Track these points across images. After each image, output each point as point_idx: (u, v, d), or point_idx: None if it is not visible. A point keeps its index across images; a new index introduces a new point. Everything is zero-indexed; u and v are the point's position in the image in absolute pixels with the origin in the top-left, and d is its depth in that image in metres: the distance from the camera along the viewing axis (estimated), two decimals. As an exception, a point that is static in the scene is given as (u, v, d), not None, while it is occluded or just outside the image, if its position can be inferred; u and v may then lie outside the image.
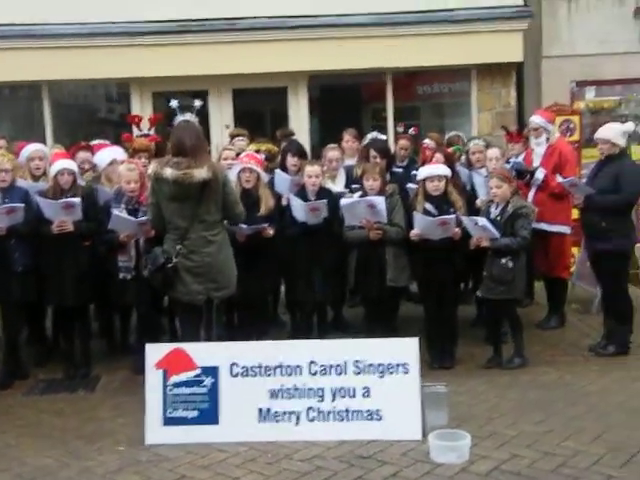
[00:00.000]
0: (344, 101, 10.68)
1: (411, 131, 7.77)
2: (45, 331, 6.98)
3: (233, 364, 4.79)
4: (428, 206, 6.32)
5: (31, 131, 9.57)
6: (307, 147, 8.58)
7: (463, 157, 7.67)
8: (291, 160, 6.95)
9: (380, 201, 6.12)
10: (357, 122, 9.90)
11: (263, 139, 7.85)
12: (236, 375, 4.79)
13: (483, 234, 6.07)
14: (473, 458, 4.40)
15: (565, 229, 7.40)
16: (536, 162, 7.28)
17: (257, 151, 7.48)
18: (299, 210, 6.21)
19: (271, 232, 6.20)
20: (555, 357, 6.65)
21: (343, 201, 6.25)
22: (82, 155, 6.94)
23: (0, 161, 6.13)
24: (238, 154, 6.80)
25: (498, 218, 6.20)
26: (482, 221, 6.03)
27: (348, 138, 7.91)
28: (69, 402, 5.82)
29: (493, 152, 7.04)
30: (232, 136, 8.21)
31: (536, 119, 7.32)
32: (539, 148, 7.29)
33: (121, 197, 6.26)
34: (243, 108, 9.95)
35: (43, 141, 8.63)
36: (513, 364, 6.34)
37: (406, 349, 4.79)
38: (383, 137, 7.66)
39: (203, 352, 4.83)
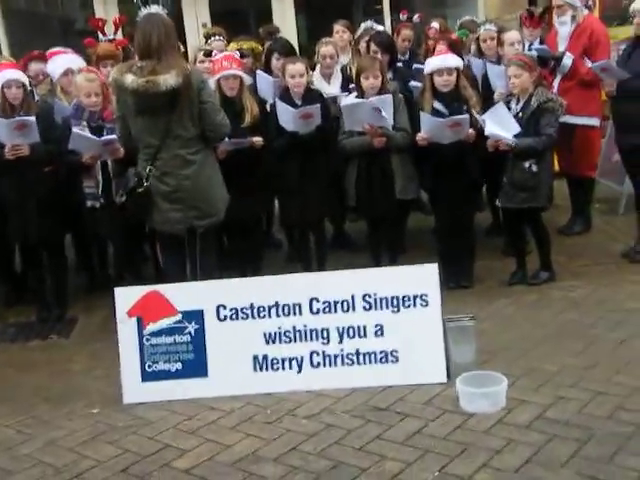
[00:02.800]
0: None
1: (415, 18, 6.81)
2: (13, 267, 6.24)
3: (220, 306, 4.05)
4: (437, 105, 5.44)
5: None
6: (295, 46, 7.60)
7: (473, 46, 6.73)
8: (277, 62, 6.02)
9: (388, 102, 5.24)
10: (349, 16, 8.83)
11: (246, 37, 6.87)
12: (224, 319, 4.05)
13: (502, 134, 5.22)
14: (510, 404, 3.70)
15: (594, 121, 6.52)
16: (561, 46, 6.35)
17: (238, 50, 6.57)
18: (287, 118, 5.33)
19: (261, 141, 5.35)
20: (584, 268, 5.91)
21: (345, 102, 5.37)
22: (35, 66, 5.99)
23: None
24: (208, 54, 5.83)
25: (519, 114, 5.34)
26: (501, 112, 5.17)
27: (339, 29, 6.95)
28: (41, 351, 5.14)
29: (511, 36, 6.10)
30: (207, 36, 7.23)
31: (561, -7, 6.33)
32: (564, 28, 6.34)
33: (81, 112, 5.38)
34: (221, 7, 8.90)
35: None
36: (539, 279, 5.62)
37: (424, 278, 4.04)
38: (379, 27, 6.68)
39: (184, 294, 4.08)
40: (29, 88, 5.52)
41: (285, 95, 5.58)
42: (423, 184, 5.70)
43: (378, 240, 5.82)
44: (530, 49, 6.38)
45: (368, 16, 9.34)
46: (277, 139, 5.48)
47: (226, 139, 5.21)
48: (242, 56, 5.77)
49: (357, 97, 5.52)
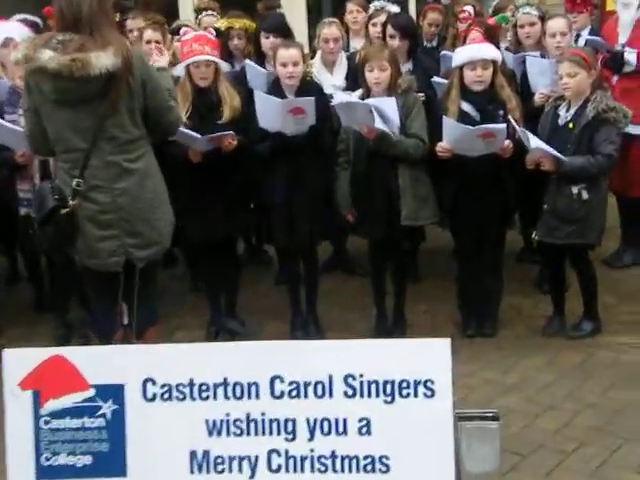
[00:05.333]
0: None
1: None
2: None
3: (147, 380, 2.92)
4: (466, 107, 4.30)
5: None
6: (303, 28, 6.46)
7: (509, 34, 5.53)
8: (266, 42, 4.88)
9: (389, 105, 4.09)
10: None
11: (238, 13, 5.71)
12: (152, 398, 2.93)
13: (547, 151, 4.06)
14: None
15: (657, 132, 5.34)
16: (622, 37, 5.14)
17: (229, 29, 5.45)
18: (271, 114, 4.18)
19: (234, 142, 4.22)
20: (637, 316, 4.75)
21: (337, 99, 4.22)
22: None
23: None
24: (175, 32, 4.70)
25: (570, 125, 4.16)
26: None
27: (353, 8, 5.79)
28: None
29: (553, 24, 4.89)
30: (197, 11, 6.12)
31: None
32: (627, 14, 5.13)
33: (17, 97, 4.30)
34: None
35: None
36: (582, 331, 4.51)
37: (430, 357, 2.89)
38: (394, 7, 5.49)
39: (98, 361, 2.96)
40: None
41: (275, 88, 4.45)
42: (442, 205, 4.53)
43: (380, 266, 4.69)
44: (576, 41, 5.20)
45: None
46: (259, 142, 4.35)
47: (198, 136, 4.12)
48: (219, 35, 4.64)
49: (364, 93, 4.38)
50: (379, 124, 4.04)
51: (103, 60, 3.22)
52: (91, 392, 2.92)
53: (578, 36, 5.30)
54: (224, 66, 4.48)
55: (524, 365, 4.18)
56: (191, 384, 2.92)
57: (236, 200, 4.46)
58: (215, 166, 4.29)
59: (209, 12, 5.92)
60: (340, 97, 4.23)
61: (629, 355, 4.22)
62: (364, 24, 5.71)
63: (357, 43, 5.72)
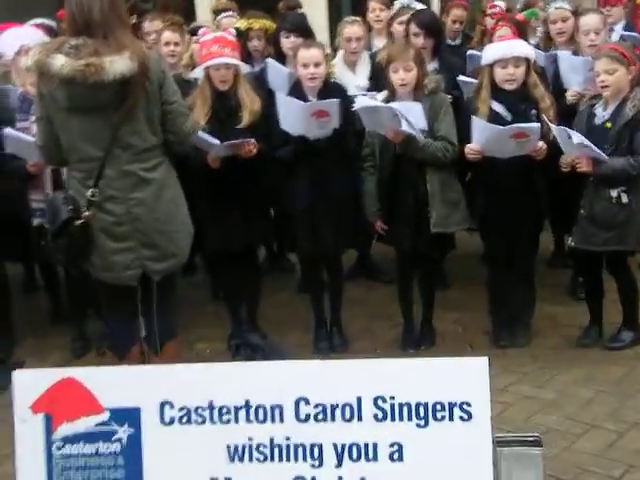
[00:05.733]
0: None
1: (471, -5, 5.43)
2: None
3: (165, 403, 2.76)
4: (497, 106, 4.09)
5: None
6: (324, 27, 6.28)
7: (539, 30, 5.32)
8: (286, 42, 4.71)
9: (417, 109, 3.91)
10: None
11: (258, 13, 5.54)
12: (170, 422, 2.76)
13: (585, 152, 3.85)
14: None
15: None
16: (659, 32, 4.93)
17: (248, 30, 5.27)
18: (294, 116, 4.00)
19: (254, 150, 4.04)
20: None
21: (359, 103, 4.03)
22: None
23: None
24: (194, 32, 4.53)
25: (608, 125, 3.94)
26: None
27: (375, 6, 5.61)
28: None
29: (587, 21, 4.67)
30: (215, 12, 5.95)
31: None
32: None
33: (28, 105, 4.16)
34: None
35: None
36: (622, 342, 4.30)
37: (467, 377, 2.69)
38: (418, 5, 5.29)
39: (113, 383, 2.80)
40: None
41: (296, 90, 4.27)
42: (472, 211, 4.32)
43: (407, 274, 4.49)
44: (610, 36, 4.97)
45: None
46: (280, 146, 4.17)
47: (217, 142, 3.95)
48: (238, 36, 4.47)
49: (389, 95, 4.19)
50: (405, 127, 3.85)
51: (118, 65, 3.07)
52: (105, 416, 2.77)
53: (611, 30, 5.07)
54: (244, 68, 4.30)
55: (561, 379, 3.96)
56: (211, 407, 2.76)
57: (255, 208, 4.28)
58: (233, 173, 4.12)
59: (228, 13, 5.77)
60: (362, 101, 4.03)
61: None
62: (387, 22, 5.52)
63: (380, 42, 5.52)
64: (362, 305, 5.06)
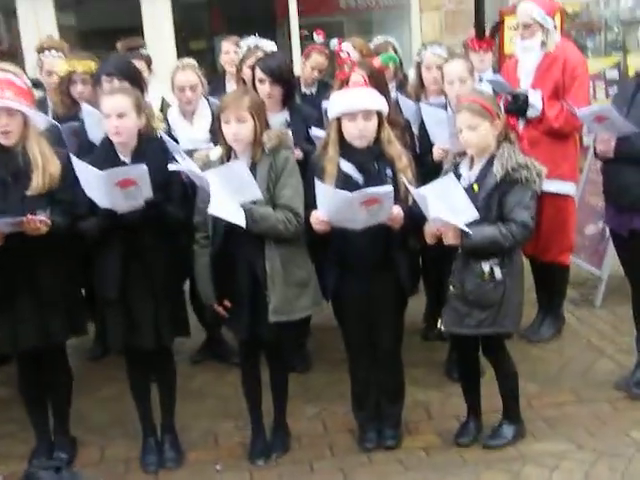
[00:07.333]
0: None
1: (334, 44, 4.80)
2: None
3: None
4: (347, 166, 3.43)
5: None
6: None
7: (412, 74, 4.76)
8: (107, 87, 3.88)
9: (237, 170, 3.20)
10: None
11: (82, 54, 4.71)
12: None
13: (451, 220, 3.23)
14: None
15: (569, 187, 4.69)
16: (525, 80, 4.46)
17: (71, 72, 4.48)
18: (95, 187, 3.17)
19: (43, 228, 3.18)
20: (565, 408, 3.99)
21: (181, 164, 3.26)
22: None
23: None
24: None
25: (475, 188, 3.34)
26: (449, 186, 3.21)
27: (229, 48, 5.07)
28: None
29: (451, 69, 4.13)
30: (40, 50, 5.10)
31: (529, 8, 4.40)
32: (529, 56, 4.46)
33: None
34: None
35: None
36: (503, 439, 3.66)
37: None
38: (269, 45, 4.63)
39: None
40: None
41: (105, 148, 3.47)
42: (324, 289, 3.60)
43: (252, 372, 3.69)
44: (480, 80, 4.49)
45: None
46: (84, 218, 3.34)
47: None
48: (36, 86, 3.65)
49: (223, 152, 3.46)
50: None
51: None
52: None
53: (480, 81, 4.58)
54: (40, 120, 3.47)
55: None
56: None
57: (53, 296, 3.41)
58: (22, 253, 3.26)
59: (52, 52, 4.93)
60: (185, 164, 3.27)
61: (559, 474, 3.37)
62: (236, 67, 4.85)
63: (232, 88, 4.87)
64: (205, 400, 4.25)
